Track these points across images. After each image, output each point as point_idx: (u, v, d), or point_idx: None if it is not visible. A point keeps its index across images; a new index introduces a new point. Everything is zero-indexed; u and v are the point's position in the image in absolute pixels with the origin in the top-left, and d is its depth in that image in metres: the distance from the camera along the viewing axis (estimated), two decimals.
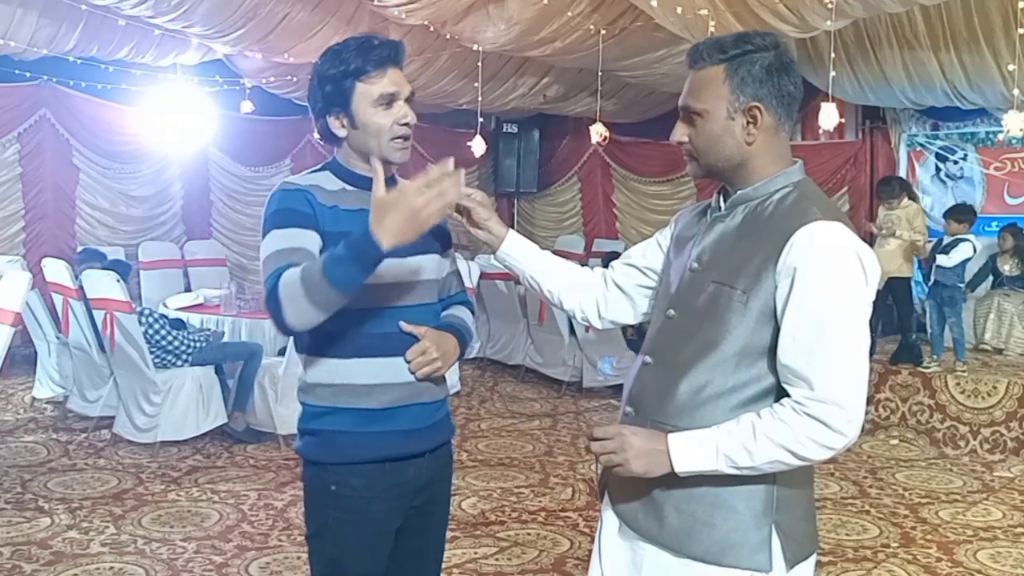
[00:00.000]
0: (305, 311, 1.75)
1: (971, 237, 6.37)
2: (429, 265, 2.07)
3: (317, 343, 1.99)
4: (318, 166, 2.06)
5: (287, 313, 1.77)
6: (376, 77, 1.94)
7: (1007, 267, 7.44)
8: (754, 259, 1.63)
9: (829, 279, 1.57)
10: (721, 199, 1.77)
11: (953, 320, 6.38)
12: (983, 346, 7.26)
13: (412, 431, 2.00)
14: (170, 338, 5.56)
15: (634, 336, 7.07)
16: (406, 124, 1.96)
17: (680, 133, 1.73)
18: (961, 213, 6.49)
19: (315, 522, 2.05)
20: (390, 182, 2.05)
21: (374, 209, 1.70)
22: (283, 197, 1.94)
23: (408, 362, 1.96)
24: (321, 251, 1.91)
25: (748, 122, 1.66)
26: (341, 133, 1.98)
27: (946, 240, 6.45)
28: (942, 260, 6.29)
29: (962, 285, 6.48)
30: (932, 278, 6.51)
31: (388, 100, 1.94)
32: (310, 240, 1.89)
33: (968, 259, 6.37)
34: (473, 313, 2.25)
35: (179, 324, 5.93)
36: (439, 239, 2.12)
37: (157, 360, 5.49)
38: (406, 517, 2.06)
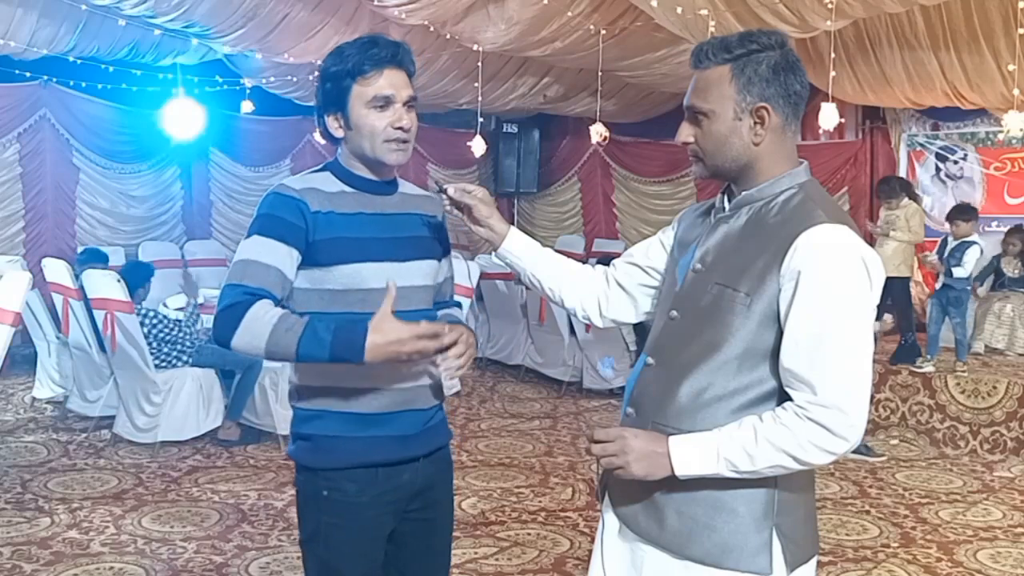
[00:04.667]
0: (255, 349, 1.79)
1: (976, 238, 6.35)
2: (427, 271, 2.05)
3: None
4: (318, 166, 2.04)
5: (237, 337, 1.80)
6: (372, 78, 1.90)
7: (1010, 268, 7.43)
8: (758, 261, 1.62)
9: (833, 283, 1.56)
10: (725, 199, 1.76)
11: (958, 320, 6.35)
12: (987, 347, 7.24)
13: (405, 436, 1.98)
14: (172, 336, 5.57)
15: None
16: (401, 128, 1.92)
17: (686, 134, 1.72)
18: (966, 212, 6.44)
19: (308, 527, 2.02)
20: (392, 185, 2.04)
21: (375, 324, 1.75)
22: (276, 202, 1.92)
23: (443, 361, 1.91)
24: (304, 254, 1.89)
25: (755, 123, 1.65)
26: (338, 134, 1.96)
27: (951, 244, 6.39)
28: (959, 272, 6.22)
29: (970, 287, 6.46)
30: (940, 281, 6.46)
31: (382, 102, 1.90)
32: (286, 259, 1.88)
33: (978, 259, 6.36)
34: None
35: (186, 326, 5.93)
36: (440, 244, 2.11)
37: (160, 358, 5.50)
38: (405, 522, 2.04)
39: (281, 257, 1.88)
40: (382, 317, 1.75)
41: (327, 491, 1.96)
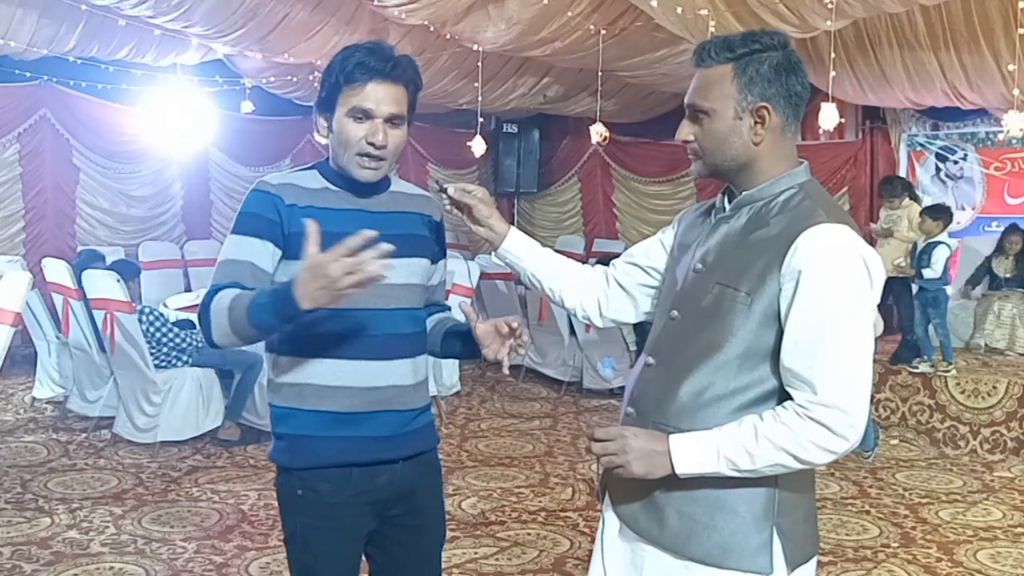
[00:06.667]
0: (228, 335, 1.82)
1: (944, 238, 6.34)
2: (416, 269, 2.01)
3: (285, 341, 1.94)
4: (307, 164, 2.03)
5: (213, 332, 1.83)
6: (357, 88, 1.86)
7: (1002, 268, 7.42)
8: (758, 261, 1.62)
9: (833, 282, 1.56)
10: (725, 200, 1.76)
11: (937, 321, 6.34)
12: (987, 347, 7.23)
13: (381, 438, 1.95)
14: (171, 335, 5.57)
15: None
16: (373, 144, 1.87)
17: (686, 132, 1.72)
18: (938, 212, 6.41)
19: (288, 528, 2.02)
20: (380, 184, 2.01)
21: (301, 270, 1.67)
22: (252, 199, 1.93)
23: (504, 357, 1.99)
24: (282, 247, 1.89)
25: (755, 122, 1.65)
26: (324, 133, 1.96)
27: (920, 246, 6.37)
28: (929, 274, 6.21)
29: (945, 286, 6.44)
30: (917, 284, 6.47)
31: (360, 115, 1.87)
32: (261, 253, 1.89)
33: (948, 258, 6.34)
34: None
35: (187, 325, 5.93)
36: (435, 245, 2.08)
37: (159, 358, 5.49)
38: (389, 528, 2.03)
39: (254, 250, 1.89)
40: (306, 260, 1.66)
41: (301, 491, 1.95)
